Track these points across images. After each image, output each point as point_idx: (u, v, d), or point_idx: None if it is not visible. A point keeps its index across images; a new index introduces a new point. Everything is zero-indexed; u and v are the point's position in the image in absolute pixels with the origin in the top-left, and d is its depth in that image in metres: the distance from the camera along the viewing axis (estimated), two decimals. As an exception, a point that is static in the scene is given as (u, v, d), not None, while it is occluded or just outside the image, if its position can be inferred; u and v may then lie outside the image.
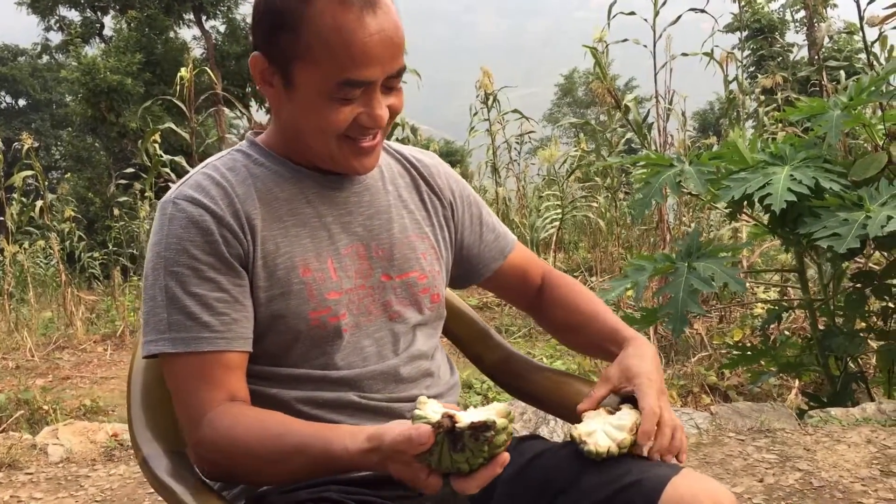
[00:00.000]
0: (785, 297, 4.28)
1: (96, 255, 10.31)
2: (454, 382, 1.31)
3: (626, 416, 1.17)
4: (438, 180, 1.35)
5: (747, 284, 5.60)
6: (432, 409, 0.94)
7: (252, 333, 1.13)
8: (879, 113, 3.16)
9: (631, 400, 1.18)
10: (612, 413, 1.18)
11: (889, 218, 2.52)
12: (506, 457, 0.94)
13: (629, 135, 7.95)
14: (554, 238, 7.42)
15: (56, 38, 25.98)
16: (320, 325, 1.15)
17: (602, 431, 1.15)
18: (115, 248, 9.43)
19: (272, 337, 1.14)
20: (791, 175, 2.76)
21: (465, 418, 0.91)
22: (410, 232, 1.27)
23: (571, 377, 1.34)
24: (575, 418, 1.18)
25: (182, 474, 1.11)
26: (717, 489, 1.06)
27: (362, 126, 1.11)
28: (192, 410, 1.08)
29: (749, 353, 3.49)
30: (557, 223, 7.38)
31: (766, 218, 3.18)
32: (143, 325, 1.12)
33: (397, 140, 8.11)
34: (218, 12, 22.83)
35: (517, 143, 10.36)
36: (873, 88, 2.88)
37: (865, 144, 3.04)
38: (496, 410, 0.93)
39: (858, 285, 3.13)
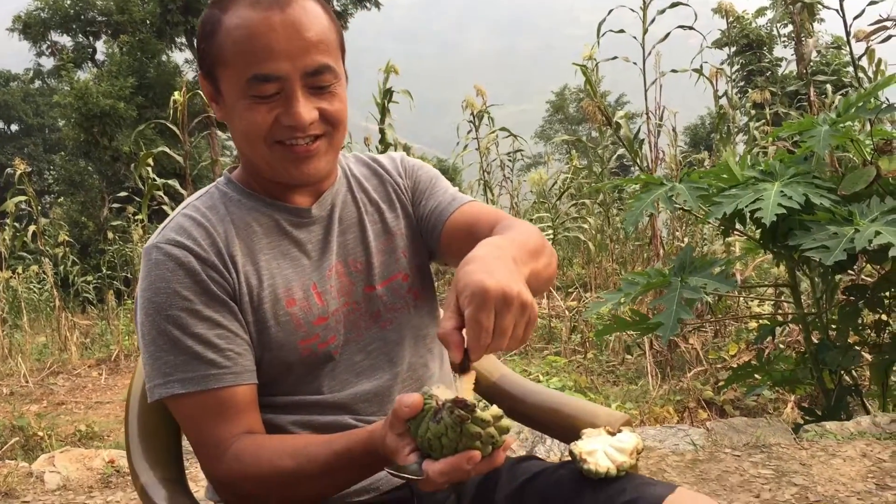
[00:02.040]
0: (780, 311, 4.30)
1: (90, 279, 10.29)
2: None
3: (627, 438, 1.17)
4: (398, 171, 1.34)
5: (742, 299, 5.63)
6: (442, 391, 0.94)
7: (255, 365, 1.14)
8: (868, 127, 3.20)
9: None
10: (612, 434, 1.19)
11: (877, 233, 2.55)
12: (476, 455, 0.89)
13: (620, 151, 8.00)
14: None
15: (48, 63, 26.08)
16: (311, 354, 1.16)
17: (602, 452, 1.15)
18: (108, 272, 9.42)
19: (265, 368, 1.15)
20: (781, 191, 2.79)
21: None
22: (385, 235, 1.28)
23: (564, 397, 1.35)
24: (569, 438, 1.19)
25: (180, 501, 1.11)
26: (713, 507, 1.06)
27: (286, 127, 1.10)
28: (213, 447, 1.09)
29: (743, 370, 3.50)
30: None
31: (757, 233, 3.21)
32: (146, 371, 1.12)
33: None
34: (210, 35, 22.93)
35: (509, 160, 10.40)
36: (860, 104, 2.91)
37: (855, 159, 3.06)
38: (491, 409, 0.92)
39: (851, 298, 3.15)
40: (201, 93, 1.17)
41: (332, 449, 1.04)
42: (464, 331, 0.89)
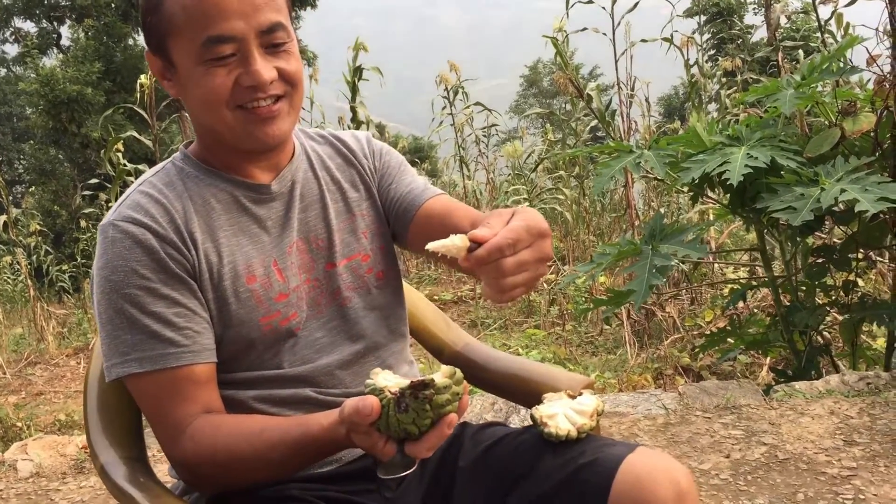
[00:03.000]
0: (754, 276, 4.34)
1: (65, 267, 10.18)
2: (413, 374, 1.32)
3: (588, 401, 1.19)
4: (364, 153, 1.34)
5: (717, 266, 5.68)
6: (384, 378, 0.96)
7: (214, 343, 1.13)
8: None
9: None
10: (573, 398, 1.20)
11: (842, 191, 2.57)
12: (453, 417, 0.93)
13: (594, 122, 8.00)
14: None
15: (12, 50, 25.57)
16: (272, 330, 1.15)
17: (563, 415, 1.16)
18: (83, 261, 9.31)
19: (226, 345, 1.14)
20: (748, 154, 2.81)
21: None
22: (347, 214, 1.27)
23: (527, 363, 1.35)
24: (532, 403, 1.19)
25: (140, 480, 1.11)
26: (673, 465, 1.07)
27: (246, 88, 1.09)
28: (171, 428, 1.08)
29: (717, 336, 3.54)
30: (526, 215, 7.40)
31: (726, 199, 3.23)
32: (103, 350, 1.11)
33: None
34: (177, 17, 22.63)
35: (484, 135, 10.38)
36: (824, 67, 2.93)
37: (825, 121, 3.08)
38: (441, 372, 0.94)
39: (819, 260, 3.18)
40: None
41: (289, 436, 1.04)
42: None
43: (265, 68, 1.08)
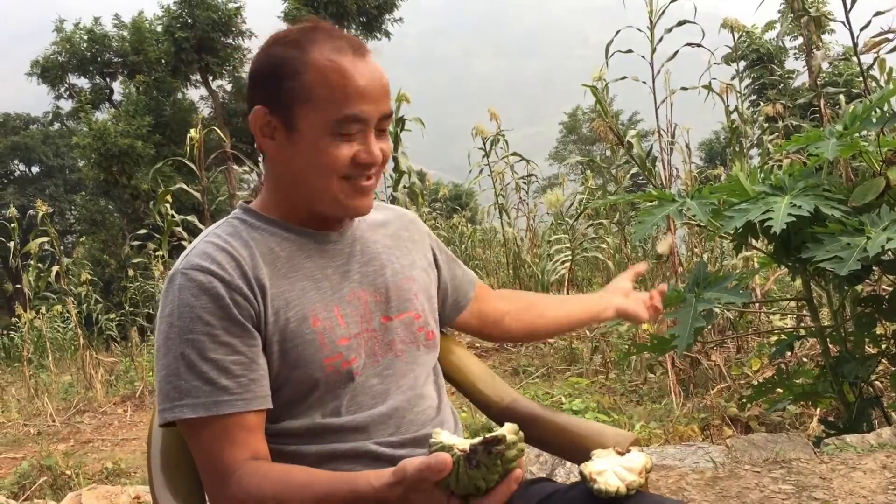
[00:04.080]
0: (802, 325, 4.28)
1: (113, 316, 10.40)
2: (459, 429, 1.35)
3: (636, 458, 1.19)
4: (418, 229, 1.46)
5: (763, 314, 5.60)
6: (447, 437, 0.99)
7: (269, 390, 1.17)
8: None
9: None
10: (621, 454, 1.21)
11: (889, 239, 2.55)
12: (519, 473, 0.98)
13: (634, 169, 8.01)
14: (566, 278, 7.44)
15: (67, 105, 26.47)
16: (335, 371, 1.20)
17: (612, 471, 1.17)
18: (131, 309, 9.51)
19: (290, 387, 1.19)
20: (791, 203, 2.80)
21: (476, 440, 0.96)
22: (402, 275, 1.35)
23: (573, 419, 1.37)
24: (579, 459, 1.20)
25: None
26: (723, 523, 1.08)
27: (361, 164, 1.19)
28: (218, 472, 1.12)
29: (765, 386, 3.49)
30: (568, 263, 7.41)
31: (770, 248, 3.21)
32: (158, 394, 1.15)
33: (405, 188, 8.20)
34: (224, 72, 23.29)
35: (524, 183, 10.43)
36: (866, 116, 2.92)
37: (869, 169, 3.06)
38: (507, 428, 0.98)
39: (868, 310, 3.14)
40: (249, 124, 1.24)
41: (337, 492, 1.06)
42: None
43: (378, 150, 1.21)
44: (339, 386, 1.21)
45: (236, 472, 1.11)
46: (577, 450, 1.24)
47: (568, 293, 7.57)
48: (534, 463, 2.94)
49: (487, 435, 0.95)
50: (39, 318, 8.79)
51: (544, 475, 2.93)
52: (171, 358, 1.14)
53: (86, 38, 23.34)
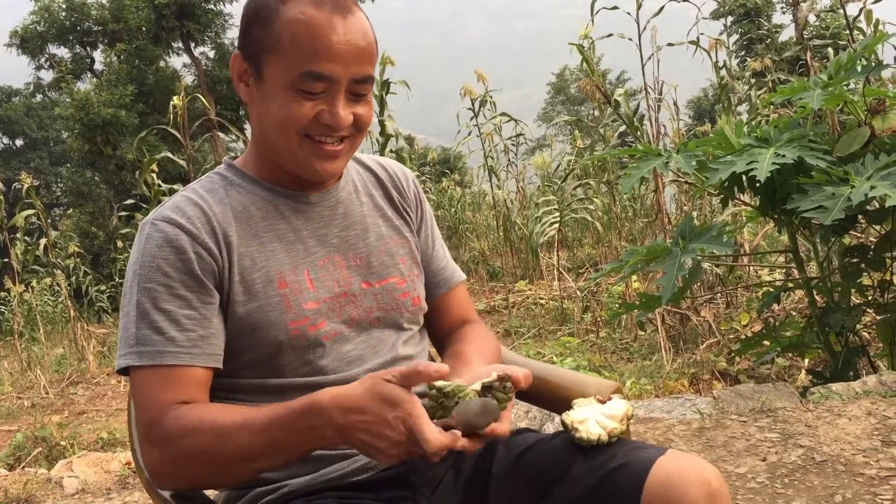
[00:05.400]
0: (789, 278, 4.30)
1: (103, 288, 10.38)
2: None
3: (618, 405, 1.20)
4: (409, 192, 1.41)
5: (752, 269, 5.62)
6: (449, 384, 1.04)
7: (220, 351, 1.15)
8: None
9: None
10: (602, 402, 1.21)
11: (872, 187, 2.55)
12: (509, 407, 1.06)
13: (623, 128, 7.98)
14: (555, 239, 7.45)
15: (48, 76, 26.13)
16: (300, 335, 1.18)
17: (593, 420, 1.17)
18: (121, 280, 9.48)
19: (254, 348, 1.18)
20: (776, 153, 2.80)
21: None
22: (388, 239, 1.32)
23: (555, 369, 1.37)
24: (561, 409, 1.21)
25: (184, 493, 1.14)
26: (703, 466, 1.08)
27: (323, 125, 1.15)
28: (154, 410, 1.08)
29: (752, 339, 3.51)
30: (556, 225, 7.42)
31: (758, 201, 3.21)
32: (118, 341, 1.15)
33: (392, 152, 8.16)
34: (206, 38, 22.97)
35: (513, 145, 10.39)
36: (850, 65, 2.91)
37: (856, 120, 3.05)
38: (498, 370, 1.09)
39: (854, 259, 3.15)
40: (228, 71, 1.22)
41: (275, 412, 1.04)
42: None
43: (345, 112, 1.15)
44: (307, 350, 1.19)
45: (173, 411, 1.08)
46: (560, 400, 1.24)
47: (558, 255, 7.58)
48: (523, 419, 2.96)
49: (498, 374, 1.05)
50: (29, 292, 8.76)
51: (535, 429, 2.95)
52: (130, 305, 1.13)
53: (64, 6, 22.96)
